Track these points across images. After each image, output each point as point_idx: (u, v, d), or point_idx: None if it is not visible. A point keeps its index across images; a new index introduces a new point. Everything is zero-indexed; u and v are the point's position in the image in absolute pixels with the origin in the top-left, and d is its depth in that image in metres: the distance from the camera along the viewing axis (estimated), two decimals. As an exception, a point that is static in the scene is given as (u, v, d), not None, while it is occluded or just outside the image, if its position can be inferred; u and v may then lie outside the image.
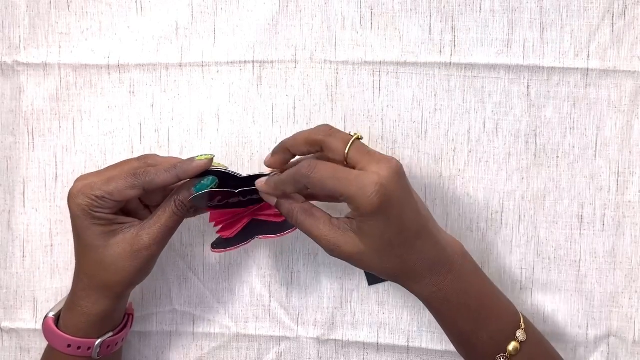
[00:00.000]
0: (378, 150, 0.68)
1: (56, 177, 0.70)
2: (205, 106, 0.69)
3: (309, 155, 0.61)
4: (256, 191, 0.60)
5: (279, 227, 0.64)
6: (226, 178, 0.60)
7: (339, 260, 0.69)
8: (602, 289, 0.68)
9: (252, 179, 0.60)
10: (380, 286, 0.70)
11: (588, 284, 0.68)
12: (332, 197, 0.59)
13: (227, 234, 0.63)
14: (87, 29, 0.69)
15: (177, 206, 0.60)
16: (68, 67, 0.69)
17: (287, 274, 0.70)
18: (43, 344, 0.70)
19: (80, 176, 0.61)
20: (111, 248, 0.59)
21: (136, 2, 0.69)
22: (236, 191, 0.60)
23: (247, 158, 0.69)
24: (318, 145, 0.59)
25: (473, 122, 0.68)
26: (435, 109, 0.68)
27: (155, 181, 0.58)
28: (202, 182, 0.59)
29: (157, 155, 0.63)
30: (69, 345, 0.60)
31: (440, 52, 0.67)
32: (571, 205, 0.68)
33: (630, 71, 0.66)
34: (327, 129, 0.59)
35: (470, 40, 0.67)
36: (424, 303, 0.60)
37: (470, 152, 0.68)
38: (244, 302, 0.71)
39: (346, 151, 0.57)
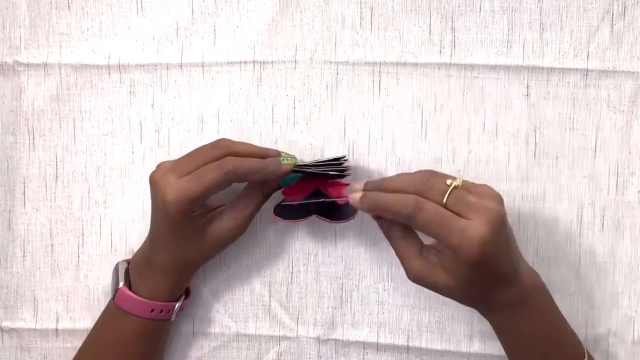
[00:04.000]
0: (378, 151, 0.68)
1: (56, 177, 0.70)
2: (206, 106, 0.69)
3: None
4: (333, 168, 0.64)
5: (339, 212, 0.64)
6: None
7: (339, 260, 0.70)
8: (601, 289, 0.68)
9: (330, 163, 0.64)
10: (380, 286, 0.70)
11: (588, 284, 0.68)
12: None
13: (292, 197, 0.64)
14: (88, 29, 0.69)
15: (265, 196, 0.65)
16: (68, 67, 0.69)
17: (287, 274, 0.70)
18: (43, 343, 0.71)
19: (164, 169, 0.61)
20: (209, 236, 0.63)
21: (136, 2, 0.69)
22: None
23: (247, 158, 0.69)
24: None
25: (473, 122, 0.68)
26: (435, 110, 0.68)
27: (245, 179, 0.62)
28: (288, 180, 0.64)
29: (231, 141, 0.63)
30: (152, 310, 0.63)
31: (440, 52, 0.67)
32: (570, 205, 0.68)
33: (629, 71, 0.66)
34: (425, 178, 0.57)
35: (470, 41, 0.67)
36: (494, 330, 0.62)
37: (470, 152, 0.68)
38: (244, 301, 0.71)
39: (444, 201, 0.56)
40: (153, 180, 0.61)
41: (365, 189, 0.59)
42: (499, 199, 0.57)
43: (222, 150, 0.61)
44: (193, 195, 0.59)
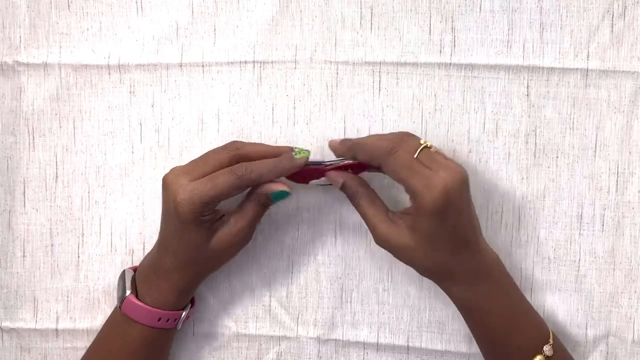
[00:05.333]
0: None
1: (56, 177, 0.70)
2: (206, 106, 0.69)
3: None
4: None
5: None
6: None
7: (339, 260, 0.70)
8: (601, 289, 0.68)
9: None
10: (380, 286, 0.70)
11: (587, 284, 0.68)
12: (383, 173, 0.61)
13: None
14: (88, 29, 0.69)
15: (261, 204, 0.64)
16: (68, 67, 0.69)
17: (287, 274, 0.70)
18: (43, 343, 0.71)
19: (177, 173, 0.62)
20: (215, 242, 0.63)
21: (136, 2, 0.69)
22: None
23: (247, 158, 0.69)
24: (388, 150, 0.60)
25: (473, 122, 0.68)
26: (435, 109, 0.68)
27: (258, 181, 0.62)
28: (279, 194, 0.63)
29: (243, 142, 0.64)
30: (159, 319, 0.64)
31: (440, 52, 0.67)
32: (571, 205, 0.68)
33: (629, 71, 0.66)
34: (400, 135, 0.62)
35: (470, 41, 0.67)
36: (456, 306, 0.63)
37: (470, 152, 0.68)
38: (244, 301, 0.71)
39: (415, 156, 0.59)
40: (166, 182, 0.62)
41: (341, 143, 0.63)
42: (464, 170, 0.60)
43: (234, 152, 0.62)
44: (206, 198, 0.60)
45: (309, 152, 0.63)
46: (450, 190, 0.57)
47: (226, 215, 0.64)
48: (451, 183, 0.57)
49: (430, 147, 0.60)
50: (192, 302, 0.68)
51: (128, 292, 0.64)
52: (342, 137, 0.68)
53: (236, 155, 0.62)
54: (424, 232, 0.59)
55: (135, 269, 0.66)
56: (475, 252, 0.60)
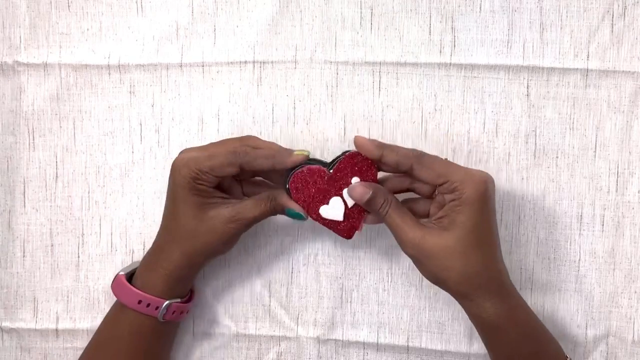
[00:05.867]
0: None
1: (56, 177, 0.70)
2: (206, 106, 0.69)
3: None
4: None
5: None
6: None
7: (339, 260, 0.70)
8: (601, 289, 0.68)
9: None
10: (380, 286, 0.70)
11: (587, 284, 0.68)
12: (432, 184, 0.61)
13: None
14: (88, 29, 0.69)
15: (271, 208, 0.63)
16: (68, 67, 0.69)
17: (287, 274, 0.70)
18: (43, 343, 0.71)
19: (184, 149, 0.63)
20: (206, 220, 0.62)
21: (136, 2, 0.69)
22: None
23: (247, 158, 0.69)
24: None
25: (473, 122, 0.68)
26: (435, 109, 0.68)
27: (252, 164, 0.62)
28: (295, 214, 0.63)
29: (258, 138, 0.65)
30: (140, 302, 0.63)
31: (440, 52, 0.67)
32: (570, 205, 0.68)
33: (629, 71, 0.66)
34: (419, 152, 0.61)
35: (470, 41, 0.67)
36: (476, 324, 0.62)
37: (470, 152, 0.68)
38: (244, 302, 0.71)
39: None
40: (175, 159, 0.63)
41: (371, 141, 0.62)
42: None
43: (245, 142, 0.63)
44: (200, 164, 0.61)
45: (308, 152, 0.63)
46: (489, 183, 0.59)
47: (231, 200, 0.63)
48: (488, 177, 0.60)
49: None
50: (191, 298, 0.67)
51: (121, 272, 0.65)
52: (341, 137, 0.68)
53: (247, 144, 0.63)
54: (463, 226, 0.58)
55: None
56: (501, 264, 0.60)
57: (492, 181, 0.60)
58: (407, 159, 0.60)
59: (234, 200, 0.64)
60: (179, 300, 0.65)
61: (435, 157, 0.60)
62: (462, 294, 0.60)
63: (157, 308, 0.63)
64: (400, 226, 0.60)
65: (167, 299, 0.63)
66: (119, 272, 0.65)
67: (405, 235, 0.60)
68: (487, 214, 0.59)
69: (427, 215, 0.62)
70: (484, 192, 0.58)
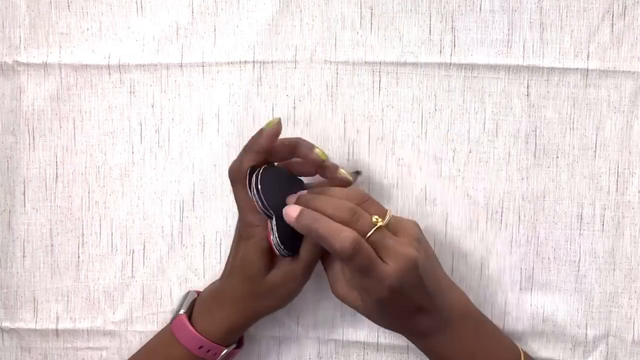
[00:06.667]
0: (378, 151, 0.68)
1: (56, 177, 0.70)
2: (206, 106, 0.69)
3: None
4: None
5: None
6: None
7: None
8: (601, 289, 0.68)
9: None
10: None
11: (587, 284, 0.68)
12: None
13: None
14: (88, 29, 0.69)
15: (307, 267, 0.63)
16: (68, 67, 0.69)
17: (287, 273, 0.70)
18: (43, 343, 0.71)
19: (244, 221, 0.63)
20: (271, 278, 0.63)
21: (136, 2, 0.69)
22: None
23: (247, 158, 0.69)
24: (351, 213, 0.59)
25: (473, 122, 0.68)
26: (435, 109, 0.68)
27: (253, 145, 0.62)
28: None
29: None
30: (201, 347, 0.63)
31: (440, 52, 0.67)
32: (571, 205, 0.68)
33: (630, 71, 0.66)
34: (352, 211, 0.58)
35: (470, 41, 0.67)
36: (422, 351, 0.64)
37: (470, 152, 0.68)
38: (244, 302, 0.71)
39: (367, 236, 0.58)
40: None
41: (298, 202, 0.60)
42: (417, 238, 0.59)
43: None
44: (233, 164, 0.62)
45: (279, 118, 0.62)
46: (397, 286, 0.57)
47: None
48: (398, 278, 0.57)
49: (381, 227, 0.58)
50: (241, 343, 0.67)
51: (182, 312, 0.64)
52: (341, 137, 0.68)
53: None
54: (373, 308, 0.60)
55: (199, 293, 0.67)
56: (433, 311, 0.60)
57: (408, 270, 0.57)
58: (333, 252, 0.57)
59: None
60: (234, 346, 0.65)
61: (362, 261, 0.57)
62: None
63: (215, 354, 0.64)
64: (330, 271, 0.63)
65: (225, 347, 0.64)
66: (180, 311, 0.65)
67: (332, 282, 0.62)
68: (399, 302, 0.59)
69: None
70: (389, 295, 0.58)
